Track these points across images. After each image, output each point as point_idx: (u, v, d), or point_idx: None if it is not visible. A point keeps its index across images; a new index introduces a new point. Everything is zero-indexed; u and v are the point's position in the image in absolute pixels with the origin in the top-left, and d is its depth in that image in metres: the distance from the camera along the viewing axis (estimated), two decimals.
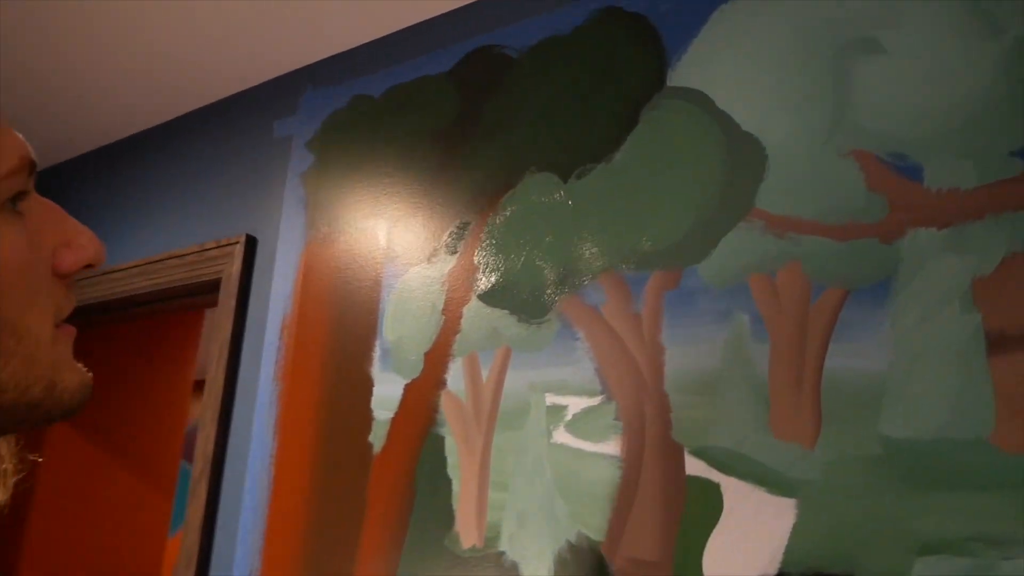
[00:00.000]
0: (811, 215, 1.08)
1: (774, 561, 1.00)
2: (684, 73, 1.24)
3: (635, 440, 1.14)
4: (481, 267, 1.36)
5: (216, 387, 1.62)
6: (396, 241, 1.49)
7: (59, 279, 0.51)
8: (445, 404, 1.34)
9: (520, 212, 1.35)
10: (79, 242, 0.51)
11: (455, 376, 1.34)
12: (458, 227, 1.41)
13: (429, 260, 1.44)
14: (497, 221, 1.37)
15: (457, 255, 1.40)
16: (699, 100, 1.21)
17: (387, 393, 1.41)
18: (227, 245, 1.71)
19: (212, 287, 1.75)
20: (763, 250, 1.10)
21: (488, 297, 1.34)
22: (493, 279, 1.34)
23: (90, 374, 0.52)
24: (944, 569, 0.90)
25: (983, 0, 1.02)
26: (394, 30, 1.63)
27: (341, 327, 1.51)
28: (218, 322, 1.67)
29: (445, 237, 1.43)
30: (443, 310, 1.39)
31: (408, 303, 1.44)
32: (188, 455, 2.51)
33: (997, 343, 0.93)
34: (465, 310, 1.36)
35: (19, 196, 0.48)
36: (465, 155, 1.44)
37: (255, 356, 1.62)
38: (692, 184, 1.18)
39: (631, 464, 1.14)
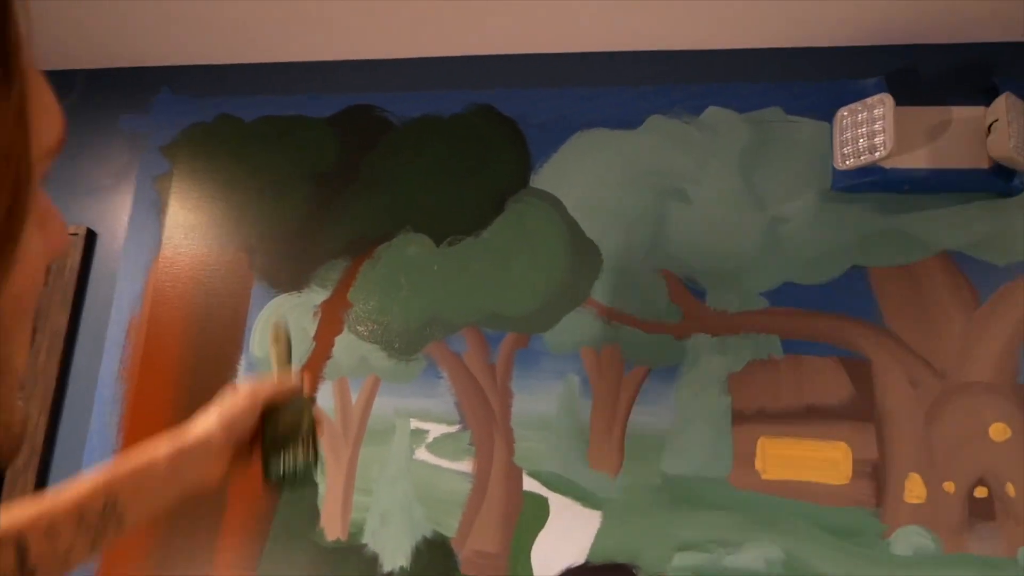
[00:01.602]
0: (630, 311, 1.55)
1: (583, 553, 1.47)
2: (544, 178, 1.63)
3: (484, 461, 1.53)
4: (355, 304, 1.64)
5: (47, 377, 1.68)
6: (266, 266, 1.69)
7: None
8: None
9: (395, 263, 1.64)
10: (54, 228, 0.40)
11: (324, 396, 1.61)
12: (332, 265, 1.66)
13: (300, 289, 1.67)
14: (373, 267, 1.65)
15: (330, 289, 1.65)
16: (555, 204, 1.62)
17: None
18: None
19: None
20: (593, 331, 1.55)
21: (361, 331, 1.62)
22: (366, 316, 1.63)
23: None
24: (692, 560, 1.43)
25: (757, 182, 1.55)
26: (271, 60, 1.78)
27: (203, 336, 1.68)
28: (48, 310, 1.71)
29: (319, 271, 1.67)
30: (315, 336, 1.64)
31: None
32: None
33: (738, 417, 1.48)
34: (337, 340, 1.63)
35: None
36: (344, 201, 1.69)
37: (94, 352, 1.70)
38: (544, 269, 1.59)
39: (480, 479, 1.53)
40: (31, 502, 0.74)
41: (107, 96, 1.86)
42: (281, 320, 1.11)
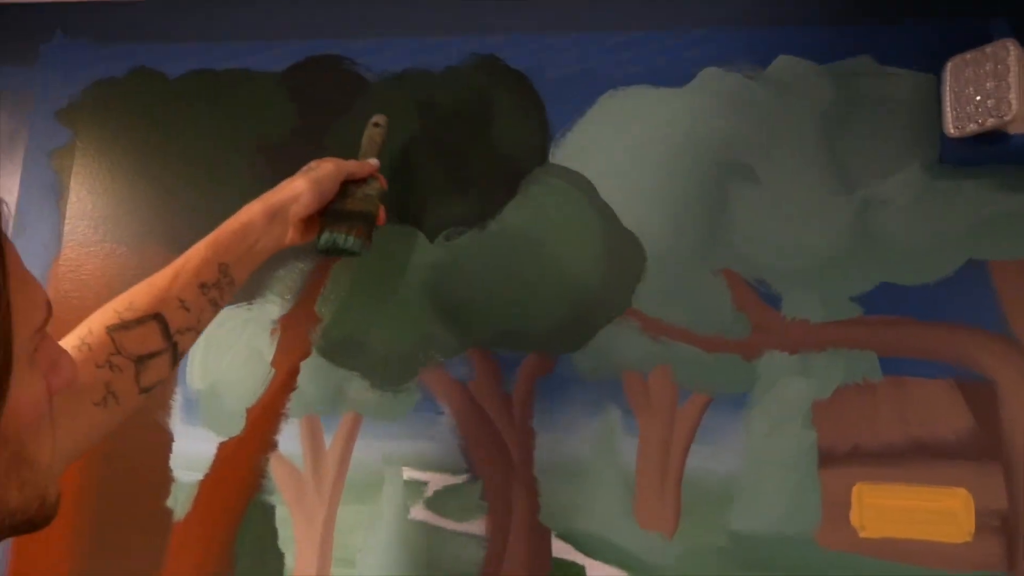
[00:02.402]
0: (683, 323, 1.22)
1: None
2: (568, 152, 1.28)
3: (501, 520, 1.21)
4: (326, 319, 1.27)
5: None
6: None
7: None
8: (276, 470, 1.25)
9: (377, 264, 1.28)
10: (61, 363, 0.58)
11: (289, 439, 1.25)
12: (292, 267, 1.29)
13: (252, 300, 1.30)
14: (347, 270, 1.28)
15: (292, 300, 1.29)
16: (582, 185, 1.27)
17: (193, 450, 1.27)
18: None
19: None
20: (638, 349, 1.22)
21: (333, 354, 1.27)
22: (340, 335, 1.27)
23: (59, 486, 0.61)
24: None
25: (843, 155, 1.23)
26: None
27: None
28: None
29: (276, 276, 1.29)
30: (273, 362, 1.27)
31: (223, 347, 1.29)
32: None
33: (827, 458, 1.17)
34: (303, 365, 1.27)
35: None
36: None
37: None
38: (571, 271, 1.25)
39: (496, 544, 1.20)
40: (155, 281, 0.87)
41: None
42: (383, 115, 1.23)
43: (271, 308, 1.29)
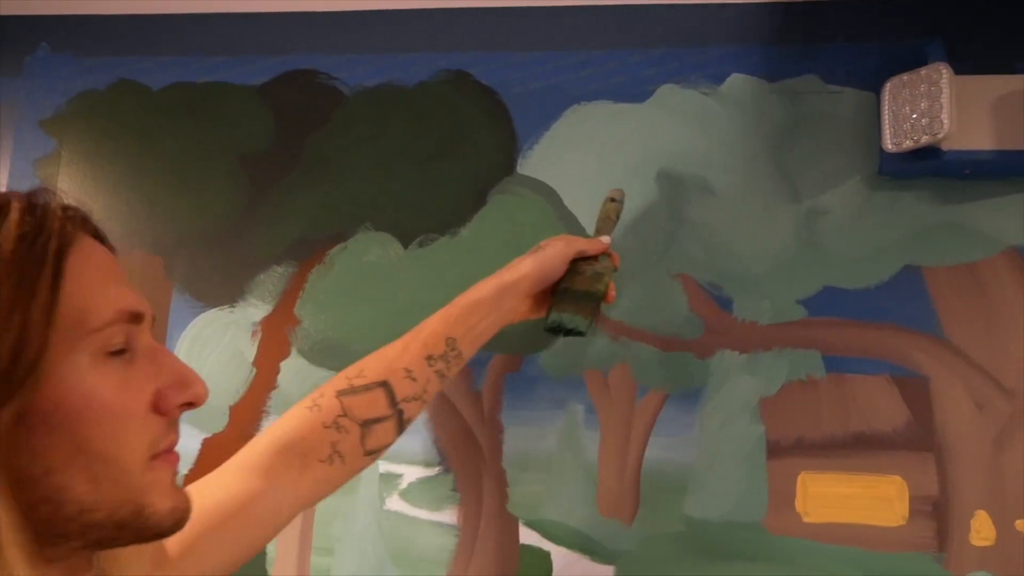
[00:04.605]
0: (641, 324, 1.32)
1: None
2: (534, 163, 1.38)
3: (472, 510, 1.30)
4: (304, 321, 1.36)
5: None
6: (188, 274, 1.40)
7: (159, 415, 0.59)
8: None
9: (352, 269, 1.37)
10: (182, 382, 0.60)
11: None
12: (272, 272, 1.38)
13: (234, 302, 1.38)
14: (324, 275, 1.37)
15: (272, 303, 1.37)
16: (548, 194, 1.36)
17: (179, 445, 1.35)
18: None
19: None
20: (599, 349, 1.32)
21: (312, 355, 1.36)
22: (319, 336, 1.36)
23: (187, 500, 0.61)
24: None
25: (790, 167, 1.33)
26: (183, 11, 1.45)
27: None
28: None
29: (256, 280, 1.38)
30: (254, 362, 1.36)
31: (207, 348, 1.37)
32: None
33: (774, 449, 1.28)
34: (283, 365, 1.36)
35: (121, 347, 0.57)
36: (283, 192, 1.40)
37: None
38: None
39: (467, 533, 1.30)
40: (385, 352, 0.95)
41: None
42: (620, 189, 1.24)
43: (252, 311, 1.38)
